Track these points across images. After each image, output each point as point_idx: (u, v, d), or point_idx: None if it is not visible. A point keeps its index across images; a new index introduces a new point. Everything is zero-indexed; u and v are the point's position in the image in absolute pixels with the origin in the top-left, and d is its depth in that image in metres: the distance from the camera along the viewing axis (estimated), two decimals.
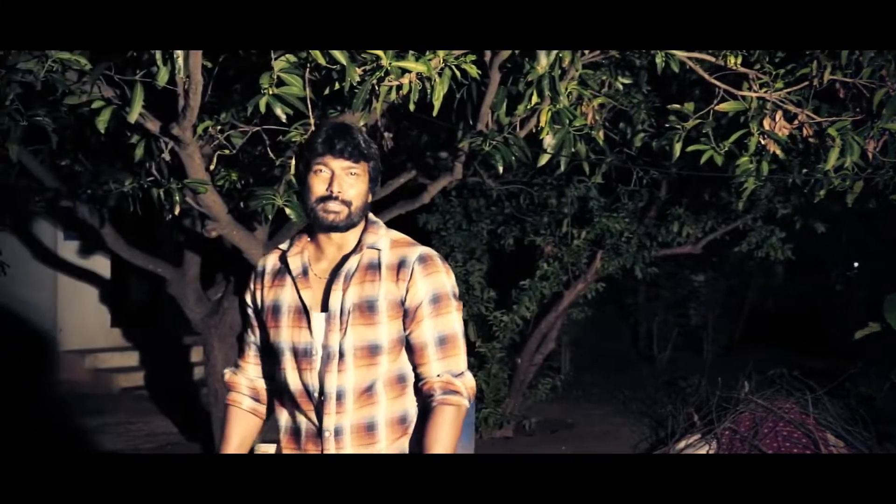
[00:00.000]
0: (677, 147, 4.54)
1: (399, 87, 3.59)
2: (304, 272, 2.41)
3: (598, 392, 9.84)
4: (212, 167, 4.35)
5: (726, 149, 4.52)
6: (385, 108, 4.30)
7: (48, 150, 5.92)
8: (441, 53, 3.62)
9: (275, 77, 3.41)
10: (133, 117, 3.57)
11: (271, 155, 4.17)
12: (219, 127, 4.16)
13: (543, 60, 3.72)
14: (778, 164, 4.91)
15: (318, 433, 2.35)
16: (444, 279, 2.41)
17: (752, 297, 13.57)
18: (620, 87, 4.87)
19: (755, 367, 7.39)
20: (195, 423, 7.08)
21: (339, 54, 3.27)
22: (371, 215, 2.47)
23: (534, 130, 4.38)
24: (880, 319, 5.81)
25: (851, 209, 5.69)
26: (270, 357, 2.49)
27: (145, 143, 4.17)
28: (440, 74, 3.66)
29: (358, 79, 3.45)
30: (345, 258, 2.40)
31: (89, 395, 8.97)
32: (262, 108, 3.43)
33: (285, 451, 2.43)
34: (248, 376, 2.58)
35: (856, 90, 4.41)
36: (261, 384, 2.57)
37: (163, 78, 3.46)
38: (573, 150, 4.36)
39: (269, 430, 2.60)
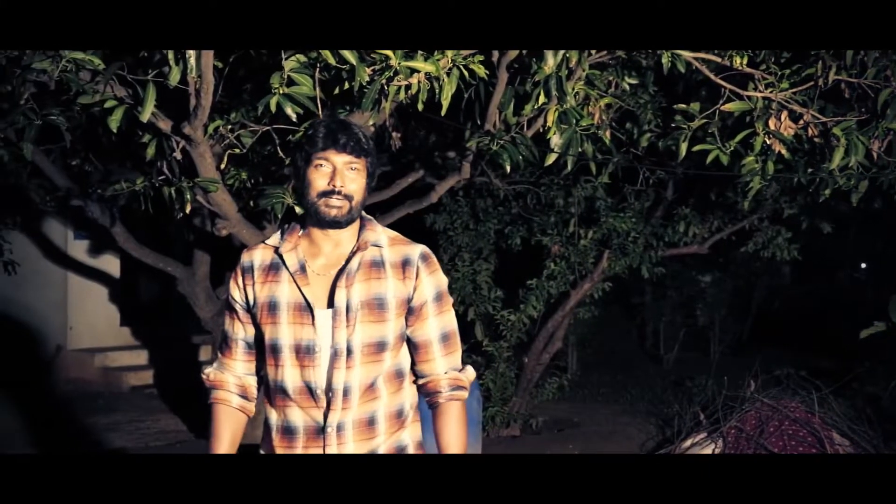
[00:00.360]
0: (683, 147, 4.57)
1: (408, 87, 3.62)
2: (302, 268, 2.37)
3: (605, 391, 9.85)
4: (222, 166, 4.39)
5: (732, 148, 4.55)
6: (393, 107, 4.34)
7: (59, 149, 5.99)
8: (449, 54, 3.65)
9: (285, 77, 3.45)
10: (145, 117, 3.60)
11: (281, 154, 4.21)
12: (229, 126, 4.20)
13: (551, 61, 3.74)
14: (783, 164, 4.93)
15: (320, 430, 2.33)
16: (443, 277, 2.47)
17: (759, 297, 13.56)
18: (627, 87, 4.89)
19: (762, 367, 7.40)
20: (204, 420, 7.12)
21: (348, 54, 3.30)
22: (364, 213, 2.47)
23: (541, 130, 4.41)
24: (886, 319, 5.83)
25: (858, 210, 5.72)
26: (259, 354, 2.47)
27: (157, 143, 4.21)
28: (448, 74, 3.69)
29: (367, 78, 3.48)
30: (349, 255, 2.38)
31: (99, 394, 9.05)
32: (273, 108, 3.46)
33: (278, 450, 2.38)
34: (235, 373, 2.51)
35: (861, 90, 4.43)
36: (249, 381, 2.52)
37: (175, 78, 3.50)
38: (580, 149, 4.38)
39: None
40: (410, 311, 2.40)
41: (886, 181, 4.95)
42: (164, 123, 4.02)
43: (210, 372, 2.54)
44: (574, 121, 4.24)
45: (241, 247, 5.10)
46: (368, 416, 2.36)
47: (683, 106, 4.62)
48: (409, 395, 2.47)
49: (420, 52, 3.52)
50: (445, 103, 3.76)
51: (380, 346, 2.35)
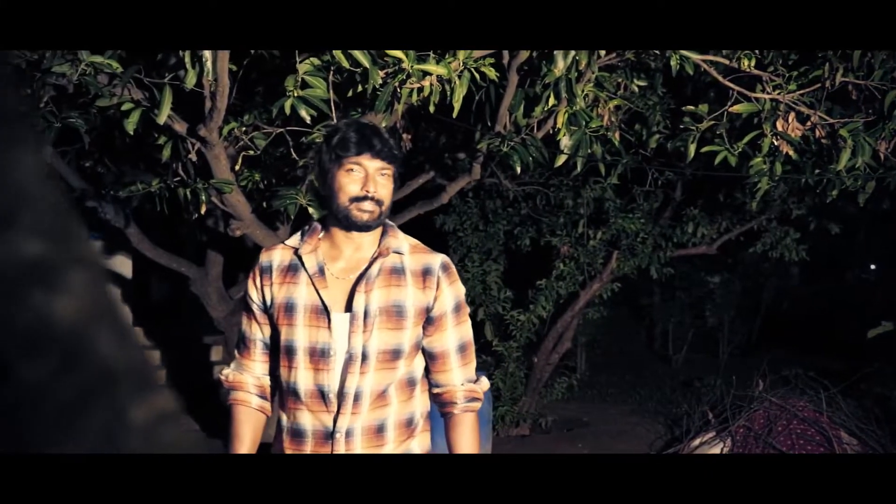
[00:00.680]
0: (692, 148, 4.61)
1: (420, 90, 3.66)
2: (321, 271, 2.35)
3: (614, 391, 9.87)
4: (237, 167, 4.45)
5: (740, 150, 4.58)
6: (405, 109, 4.38)
7: (74, 151, 6.05)
8: (461, 56, 3.69)
9: (299, 80, 3.50)
10: (162, 119, 3.66)
11: (294, 155, 4.25)
12: (243, 128, 4.25)
13: (561, 63, 3.78)
14: (791, 165, 4.97)
15: (329, 434, 2.31)
16: (461, 287, 2.45)
17: (768, 298, 13.56)
18: (636, 89, 4.93)
19: (771, 367, 7.43)
20: (216, 420, 7.16)
21: (362, 58, 3.35)
22: (386, 220, 2.44)
23: (551, 132, 4.44)
24: (894, 319, 5.86)
25: (866, 211, 5.74)
26: (274, 355, 2.45)
27: (172, 144, 4.26)
28: (460, 77, 3.73)
29: (380, 81, 3.53)
30: (369, 260, 2.36)
31: None
32: (287, 110, 3.52)
33: (287, 452, 2.36)
34: (254, 374, 2.50)
35: (868, 92, 4.47)
36: (266, 381, 2.51)
37: (191, 81, 3.56)
38: (589, 151, 4.41)
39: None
40: (429, 321, 2.38)
41: (893, 182, 4.99)
42: (179, 126, 4.07)
43: (228, 373, 2.53)
44: (584, 122, 4.28)
45: (254, 247, 5.16)
46: (378, 424, 2.34)
47: (692, 108, 4.66)
48: (419, 403, 2.45)
49: (432, 54, 3.57)
50: (457, 105, 3.80)
51: (395, 354, 2.33)
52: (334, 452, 2.30)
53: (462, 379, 2.43)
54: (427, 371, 2.47)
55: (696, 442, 6.60)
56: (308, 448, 2.33)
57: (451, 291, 2.40)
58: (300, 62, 3.50)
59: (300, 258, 2.38)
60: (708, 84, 5.31)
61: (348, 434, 2.30)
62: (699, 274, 11.95)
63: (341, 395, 2.29)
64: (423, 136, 6.48)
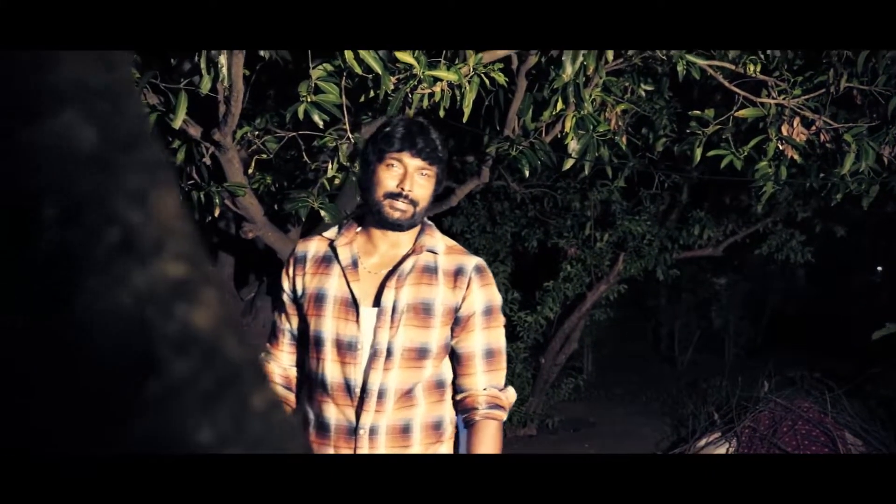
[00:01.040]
0: (698, 152, 4.65)
1: (431, 95, 3.72)
2: (354, 264, 2.34)
3: (621, 392, 9.91)
4: (250, 171, 4.50)
5: (746, 153, 4.62)
6: (415, 114, 4.44)
7: None
8: (471, 62, 3.75)
9: (312, 85, 3.56)
10: (177, 123, 3.71)
11: (306, 159, 4.31)
12: (256, 132, 4.31)
13: (569, 68, 3.83)
14: (797, 169, 5.02)
15: (353, 430, 2.27)
16: (496, 293, 2.40)
17: (774, 300, 13.58)
18: (643, 93, 4.98)
19: (776, 368, 7.48)
20: None
21: (374, 64, 3.41)
22: (425, 218, 2.44)
23: (559, 136, 4.49)
24: None
25: (871, 213, 5.79)
26: (303, 346, 2.42)
27: (186, 148, 4.33)
28: (469, 82, 3.79)
29: (392, 87, 3.59)
30: (402, 257, 2.34)
31: None
32: (301, 115, 3.58)
33: (311, 445, 2.32)
34: (280, 364, 2.48)
35: (872, 97, 4.52)
36: (293, 373, 2.49)
37: (206, 86, 3.61)
38: (597, 154, 4.45)
39: None
40: (457, 322, 2.34)
41: None
42: (194, 130, 4.13)
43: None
44: (591, 127, 4.32)
45: (266, 249, 5.21)
46: (403, 424, 2.29)
47: (698, 112, 4.70)
48: (449, 408, 2.40)
49: (442, 60, 3.63)
50: (467, 110, 3.85)
51: (421, 353, 2.29)
52: (357, 449, 2.27)
53: (485, 384, 2.35)
54: (454, 376, 2.41)
55: (702, 442, 6.65)
56: (331, 443, 2.30)
57: (483, 294, 2.35)
58: (313, 68, 3.56)
59: (335, 250, 2.37)
60: (714, 87, 5.36)
61: (372, 431, 2.26)
62: (705, 276, 11.99)
63: (365, 390, 2.26)
64: None
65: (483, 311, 2.35)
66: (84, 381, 0.33)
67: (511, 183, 6.99)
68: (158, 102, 3.96)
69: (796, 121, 4.46)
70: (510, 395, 2.41)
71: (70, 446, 0.36)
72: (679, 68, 4.23)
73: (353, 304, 2.30)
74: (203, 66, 3.54)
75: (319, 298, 2.34)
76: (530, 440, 7.63)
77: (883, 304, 11.94)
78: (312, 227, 5.50)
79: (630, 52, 4.26)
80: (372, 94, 3.73)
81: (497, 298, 2.40)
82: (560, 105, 4.16)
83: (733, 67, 4.47)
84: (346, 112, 3.73)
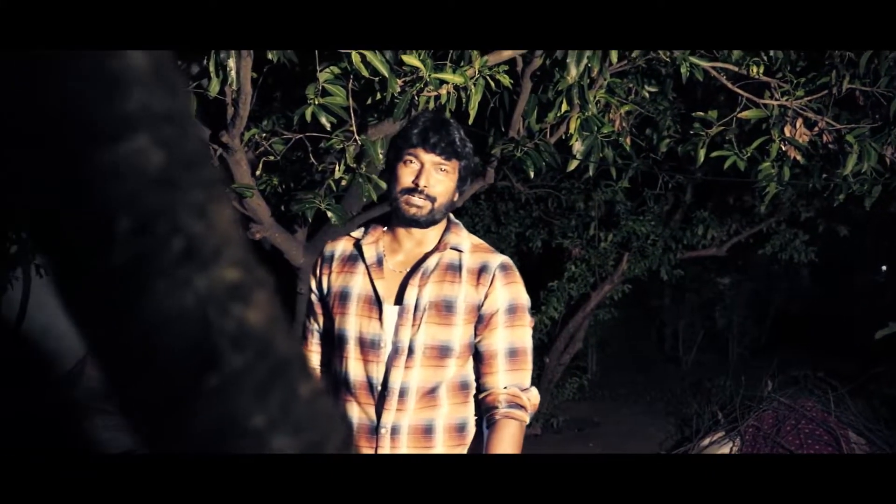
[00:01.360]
0: (701, 153, 4.68)
1: (437, 97, 3.75)
2: (379, 262, 2.33)
3: (625, 392, 9.94)
4: (258, 172, 4.54)
5: (749, 154, 4.65)
6: None
7: None
8: (476, 65, 3.79)
9: (319, 88, 3.60)
10: None
11: (313, 160, 4.35)
12: (263, 134, 4.35)
13: (573, 70, 3.86)
14: (800, 169, 5.05)
15: (374, 429, 2.25)
16: (522, 291, 2.36)
17: (778, 300, 13.60)
18: (647, 94, 5.01)
19: (780, 368, 7.51)
20: None
21: (381, 67, 3.45)
22: (452, 216, 2.43)
23: (563, 137, 4.52)
24: None
25: (874, 213, 5.82)
26: (331, 345, 2.41)
27: None
28: (475, 84, 3.82)
29: (399, 89, 3.62)
30: (425, 255, 2.33)
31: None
32: (308, 117, 3.61)
33: None
34: (311, 364, 2.40)
35: (874, 98, 4.55)
36: (322, 372, 2.47)
37: (214, 89, 3.65)
38: (601, 155, 4.47)
39: None
40: (480, 320, 2.30)
41: None
42: (202, 132, 4.17)
43: None
44: (595, 128, 4.35)
45: (273, 249, 5.25)
46: (425, 424, 2.26)
47: (702, 114, 4.73)
48: (473, 410, 2.36)
49: (448, 63, 3.67)
50: (473, 112, 3.88)
51: (443, 351, 2.26)
52: (379, 449, 2.25)
53: (506, 383, 2.29)
54: (476, 375, 2.36)
55: (706, 441, 6.69)
56: (355, 441, 2.28)
57: (507, 291, 2.31)
58: (320, 70, 3.60)
59: (360, 249, 2.38)
60: (718, 88, 5.39)
61: (394, 431, 2.24)
62: (709, 276, 12.01)
63: (386, 388, 2.24)
64: None
65: (506, 308, 2.31)
66: (156, 371, 0.37)
67: (516, 183, 7.02)
68: None
69: (799, 122, 4.49)
70: (533, 395, 2.35)
71: (148, 428, 0.40)
72: (682, 70, 4.25)
73: (377, 301, 2.29)
74: (212, 69, 3.58)
75: (344, 297, 2.34)
76: (535, 440, 7.65)
77: (887, 304, 11.94)
78: (319, 228, 5.54)
79: (634, 54, 4.28)
80: (378, 96, 3.77)
81: (523, 297, 2.36)
82: (565, 106, 4.18)
83: (736, 69, 4.50)
84: (352, 114, 3.76)
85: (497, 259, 2.35)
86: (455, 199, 2.38)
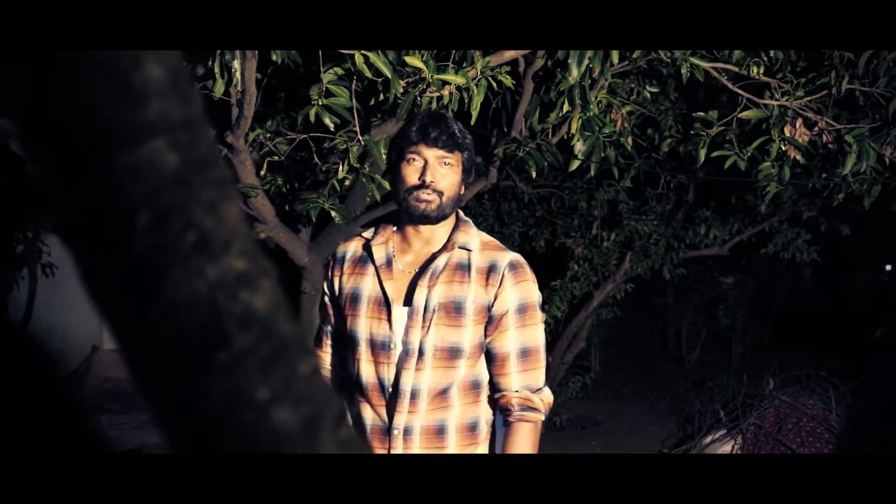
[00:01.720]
0: (702, 152, 4.71)
1: (440, 98, 3.79)
2: (388, 263, 2.32)
3: (628, 391, 9.95)
4: (262, 172, 4.58)
5: (749, 154, 4.68)
6: None
7: None
8: (478, 65, 3.82)
9: (323, 89, 3.64)
10: None
11: (316, 161, 4.38)
12: (268, 135, 4.39)
13: (575, 71, 3.89)
14: (800, 169, 5.08)
15: (387, 430, 2.25)
16: (533, 289, 2.33)
17: (781, 299, 13.61)
18: (648, 95, 5.04)
19: (782, 367, 7.53)
20: None
21: (384, 67, 3.48)
22: (461, 213, 2.41)
23: (565, 137, 4.54)
24: None
25: (876, 213, 5.85)
26: (343, 346, 2.40)
27: None
28: (477, 85, 3.85)
29: (401, 90, 3.66)
30: (434, 255, 2.31)
31: (133, 392, 9.21)
32: (312, 118, 3.65)
33: None
34: (324, 365, 2.48)
35: (873, 98, 4.58)
36: (337, 374, 2.48)
37: (219, 90, 3.69)
38: (603, 155, 4.50)
39: None
40: (490, 321, 2.27)
41: None
42: None
43: None
44: (597, 128, 4.37)
45: (277, 249, 5.29)
46: (438, 425, 2.25)
47: (702, 114, 4.76)
48: (485, 409, 2.35)
49: (451, 64, 3.71)
50: (475, 113, 3.91)
51: (453, 352, 2.24)
52: (392, 450, 2.25)
53: (519, 385, 2.28)
54: (489, 376, 2.35)
55: (708, 440, 6.72)
56: (368, 443, 2.27)
57: (517, 291, 2.28)
58: (324, 72, 3.63)
59: (370, 250, 2.36)
60: (719, 88, 5.42)
61: (406, 432, 2.24)
62: (712, 275, 12.02)
63: (397, 390, 2.23)
64: None
65: (517, 308, 2.28)
66: (172, 349, 0.42)
67: (518, 183, 7.05)
68: None
69: (799, 122, 4.52)
70: (546, 396, 2.33)
71: (167, 403, 0.45)
72: (683, 70, 4.28)
73: (386, 303, 2.28)
74: (217, 70, 3.62)
75: (355, 298, 2.33)
76: None
77: (887, 302, 11.94)
78: (323, 227, 5.59)
79: (635, 55, 4.31)
80: (381, 97, 3.80)
81: (534, 295, 2.33)
82: (566, 107, 4.21)
83: (737, 69, 4.52)
84: (356, 115, 3.79)
85: (506, 257, 2.32)
86: (461, 192, 2.35)
